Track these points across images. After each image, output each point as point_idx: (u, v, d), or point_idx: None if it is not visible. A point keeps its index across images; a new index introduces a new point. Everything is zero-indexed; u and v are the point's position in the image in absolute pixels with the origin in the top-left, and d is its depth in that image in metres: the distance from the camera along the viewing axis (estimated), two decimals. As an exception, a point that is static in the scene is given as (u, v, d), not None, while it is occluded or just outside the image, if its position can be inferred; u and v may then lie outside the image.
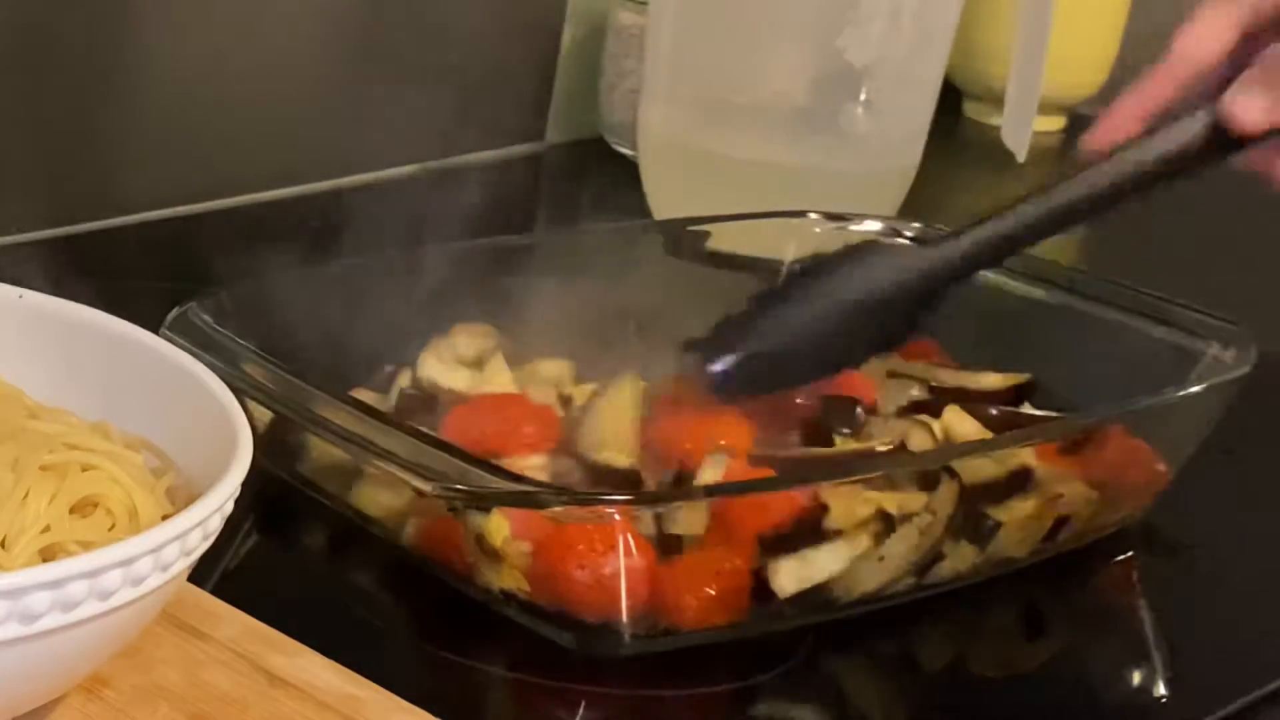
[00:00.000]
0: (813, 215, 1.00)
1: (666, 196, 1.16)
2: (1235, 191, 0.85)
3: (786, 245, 0.99)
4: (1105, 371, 0.88)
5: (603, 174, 1.34)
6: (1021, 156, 1.16)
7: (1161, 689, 0.79)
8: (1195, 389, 0.85)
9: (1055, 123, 1.57)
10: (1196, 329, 0.89)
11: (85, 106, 1.09)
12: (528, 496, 0.70)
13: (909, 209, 1.14)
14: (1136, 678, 0.80)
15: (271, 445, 0.77)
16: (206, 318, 0.80)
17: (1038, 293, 0.95)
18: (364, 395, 0.83)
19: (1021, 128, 1.15)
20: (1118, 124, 0.83)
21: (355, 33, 1.23)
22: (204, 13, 1.14)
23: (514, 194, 1.31)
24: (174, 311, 0.79)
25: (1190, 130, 0.81)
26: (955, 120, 1.56)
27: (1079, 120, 1.59)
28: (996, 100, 1.25)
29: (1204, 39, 0.82)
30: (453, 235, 0.93)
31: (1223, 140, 0.81)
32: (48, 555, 0.60)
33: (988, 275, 0.96)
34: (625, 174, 1.23)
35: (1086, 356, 0.90)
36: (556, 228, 1.29)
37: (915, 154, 1.15)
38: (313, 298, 0.86)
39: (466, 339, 0.87)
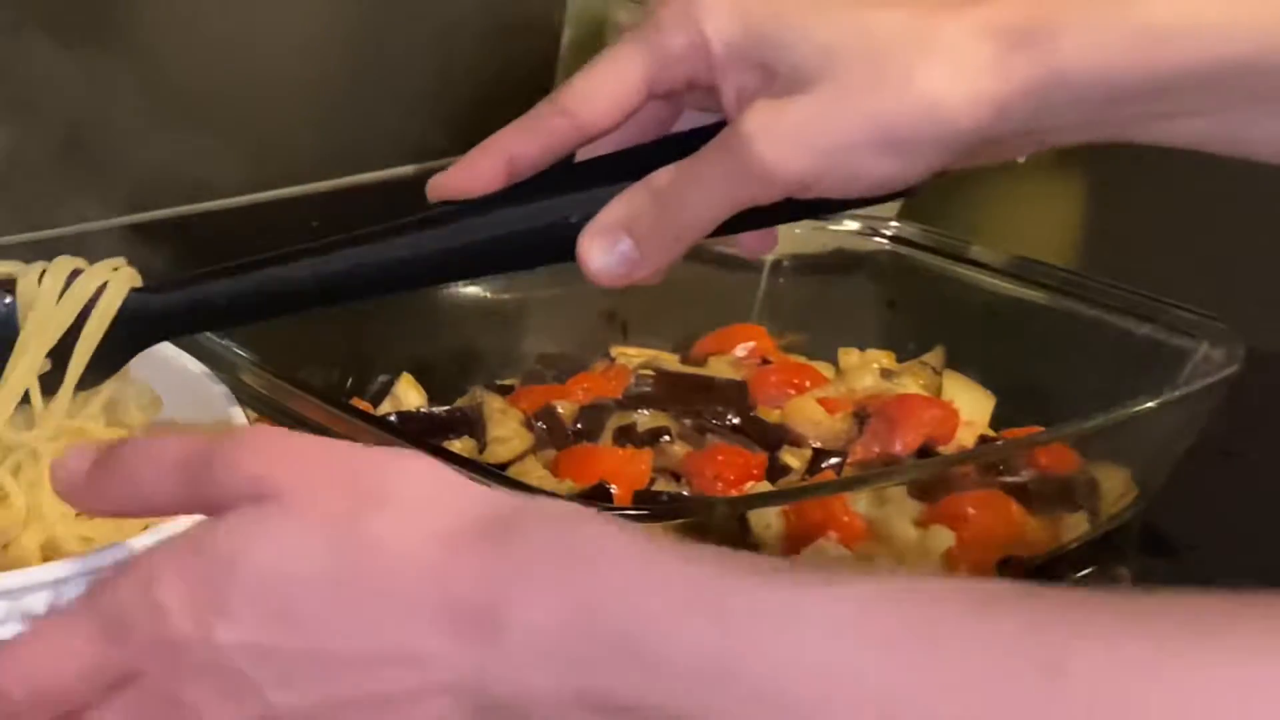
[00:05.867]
0: None
1: (666, 196, 1.15)
2: (1226, 190, 0.85)
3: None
4: (1095, 371, 0.87)
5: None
6: (1022, 156, 1.15)
7: (1160, 689, 0.79)
8: (1182, 390, 0.85)
9: (1055, 123, 1.56)
10: (1186, 328, 0.89)
11: (84, 107, 1.09)
12: None
13: (909, 209, 1.14)
14: (1135, 677, 0.79)
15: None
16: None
17: (1026, 293, 0.95)
18: (361, 405, 0.83)
19: (1021, 128, 1.15)
20: (475, 174, 0.65)
21: (355, 33, 1.23)
22: (204, 12, 1.14)
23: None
24: None
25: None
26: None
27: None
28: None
29: (595, 96, 0.65)
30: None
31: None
32: (48, 555, 0.60)
33: (978, 275, 0.96)
34: (625, 174, 1.22)
35: (1076, 356, 0.90)
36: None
37: (915, 154, 1.14)
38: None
39: None
